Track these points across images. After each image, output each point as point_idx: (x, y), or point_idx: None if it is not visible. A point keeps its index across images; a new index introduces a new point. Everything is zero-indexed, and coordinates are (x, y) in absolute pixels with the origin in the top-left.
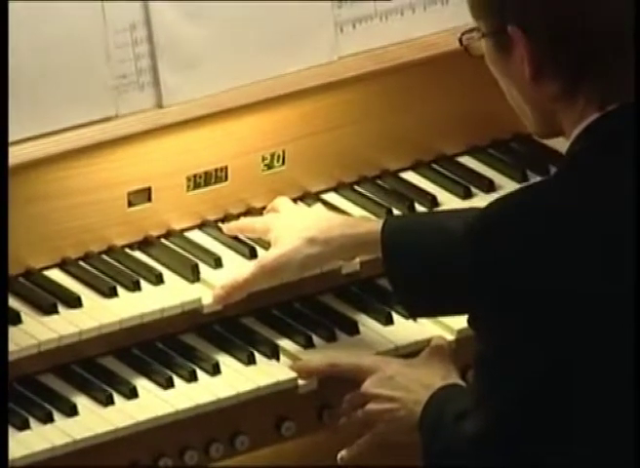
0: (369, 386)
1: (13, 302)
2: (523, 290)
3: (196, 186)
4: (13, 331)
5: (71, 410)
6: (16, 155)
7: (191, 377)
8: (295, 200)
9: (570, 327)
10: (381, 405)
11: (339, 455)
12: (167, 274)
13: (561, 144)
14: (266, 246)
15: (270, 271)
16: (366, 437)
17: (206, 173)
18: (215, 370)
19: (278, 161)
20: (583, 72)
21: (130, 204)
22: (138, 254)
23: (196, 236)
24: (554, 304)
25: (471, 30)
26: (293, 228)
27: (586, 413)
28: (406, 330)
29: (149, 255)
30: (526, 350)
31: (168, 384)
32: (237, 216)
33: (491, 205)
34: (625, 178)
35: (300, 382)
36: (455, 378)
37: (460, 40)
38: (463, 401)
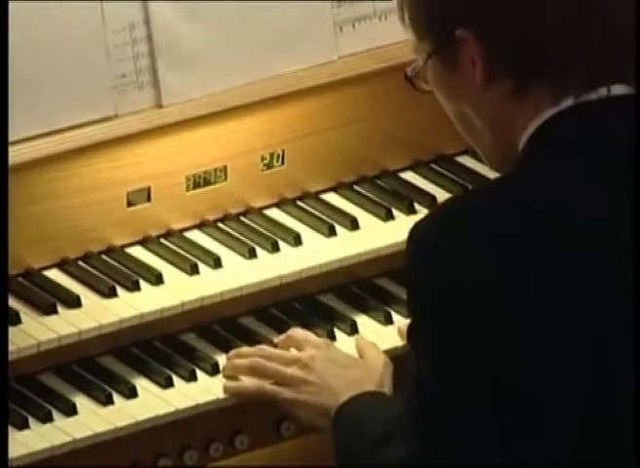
0: (308, 347)
1: (12, 302)
2: (455, 296)
3: (196, 186)
4: (12, 330)
5: (71, 410)
6: (15, 155)
7: (191, 377)
8: (294, 199)
9: (505, 343)
10: (303, 374)
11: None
12: (166, 274)
13: None
14: (267, 247)
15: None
16: (262, 385)
17: (205, 172)
18: (214, 369)
19: (277, 160)
20: (533, 68)
21: (129, 204)
22: (137, 254)
23: (196, 236)
24: (488, 316)
25: (412, 61)
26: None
27: (530, 432)
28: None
29: (149, 255)
30: (459, 367)
31: (167, 384)
32: (237, 216)
33: (430, 213)
34: (579, 179)
35: None
36: (386, 391)
37: (405, 76)
38: (385, 420)
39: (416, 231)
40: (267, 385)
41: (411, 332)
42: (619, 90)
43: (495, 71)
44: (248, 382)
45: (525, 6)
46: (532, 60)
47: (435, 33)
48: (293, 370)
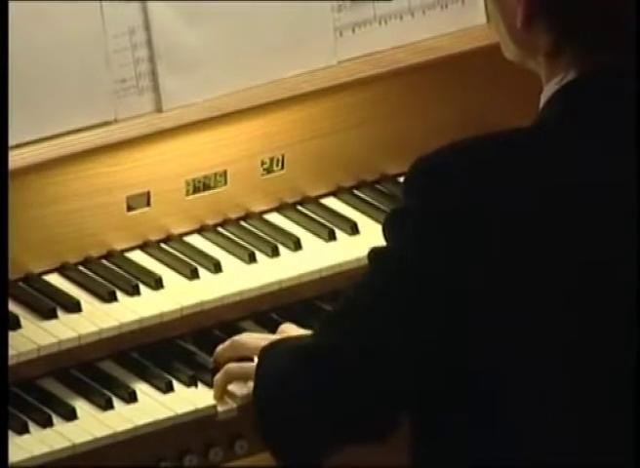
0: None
1: (12, 307)
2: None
3: (195, 190)
4: (12, 335)
5: (71, 415)
6: (15, 159)
7: (191, 382)
8: (294, 204)
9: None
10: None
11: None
12: (166, 278)
13: None
14: (267, 251)
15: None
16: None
17: (205, 177)
18: (214, 374)
19: (277, 165)
20: (570, 31)
21: (129, 208)
22: (137, 259)
23: (195, 240)
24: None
25: None
26: None
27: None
28: None
29: (149, 260)
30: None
31: (167, 388)
32: (236, 221)
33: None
34: (591, 152)
35: None
36: None
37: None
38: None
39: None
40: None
41: (379, 253)
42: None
43: (534, 22)
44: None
45: None
46: (570, 23)
47: None
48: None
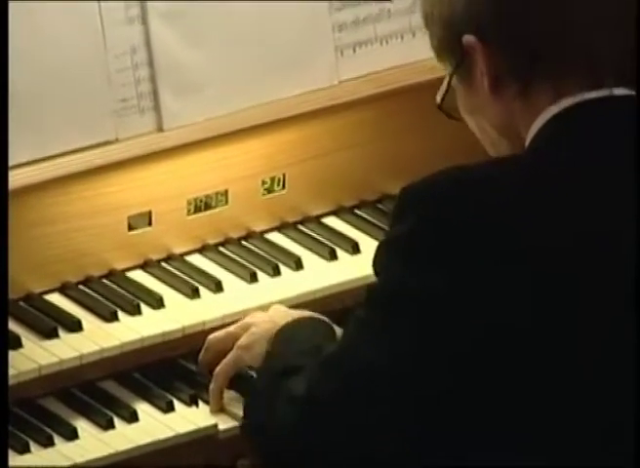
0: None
1: (13, 326)
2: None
3: (197, 210)
4: (13, 355)
5: (72, 434)
6: (16, 179)
7: (191, 401)
8: (295, 223)
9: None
10: (249, 321)
11: None
12: (167, 298)
13: None
14: (268, 271)
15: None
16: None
17: (206, 196)
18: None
19: (278, 185)
20: (535, 71)
21: (130, 228)
22: (138, 278)
23: (197, 260)
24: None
25: (441, 92)
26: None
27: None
28: None
29: (150, 279)
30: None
31: (168, 408)
32: (238, 240)
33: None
34: (579, 179)
35: None
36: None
37: (439, 106)
38: (305, 351)
39: (412, 191)
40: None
41: (375, 293)
42: (620, 91)
43: (500, 77)
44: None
45: (521, 11)
46: (532, 63)
47: (448, 49)
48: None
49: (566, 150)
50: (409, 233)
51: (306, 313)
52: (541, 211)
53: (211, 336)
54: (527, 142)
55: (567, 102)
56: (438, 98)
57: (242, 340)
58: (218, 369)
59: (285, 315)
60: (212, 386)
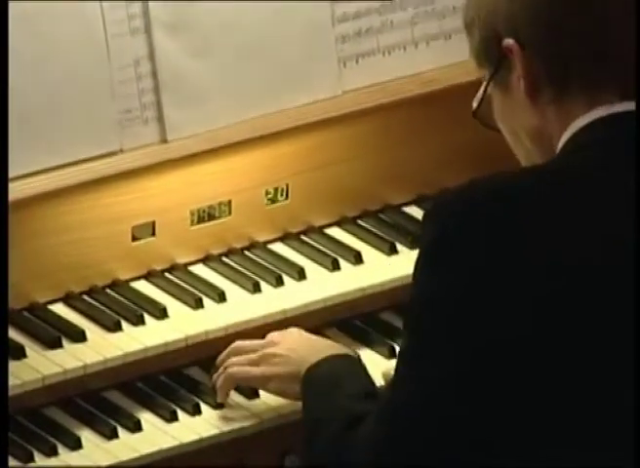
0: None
1: (17, 336)
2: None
3: (200, 220)
4: (17, 365)
5: (75, 444)
6: (20, 189)
7: (195, 411)
8: (298, 234)
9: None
10: (272, 350)
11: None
12: (171, 308)
13: None
14: (271, 281)
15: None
16: (231, 373)
17: (210, 207)
18: (219, 403)
19: (282, 195)
20: (570, 76)
21: (134, 238)
22: (142, 289)
23: (200, 270)
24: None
25: (477, 98)
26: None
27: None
28: None
29: (153, 289)
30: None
31: (172, 418)
32: (241, 251)
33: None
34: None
35: None
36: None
37: (474, 113)
38: (353, 395)
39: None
40: (236, 368)
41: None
42: None
43: (537, 81)
44: (220, 380)
45: (562, 22)
46: (567, 69)
47: (489, 52)
48: (262, 350)
49: (592, 161)
50: (432, 241)
51: (326, 342)
52: (566, 223)
53: (237, 343)
54: (557, 150)
55: (597, 114)
56: (474, 105)
57: (263, 368)
58: (239, 369)
59: (308, 346)
60: (221, 381)
